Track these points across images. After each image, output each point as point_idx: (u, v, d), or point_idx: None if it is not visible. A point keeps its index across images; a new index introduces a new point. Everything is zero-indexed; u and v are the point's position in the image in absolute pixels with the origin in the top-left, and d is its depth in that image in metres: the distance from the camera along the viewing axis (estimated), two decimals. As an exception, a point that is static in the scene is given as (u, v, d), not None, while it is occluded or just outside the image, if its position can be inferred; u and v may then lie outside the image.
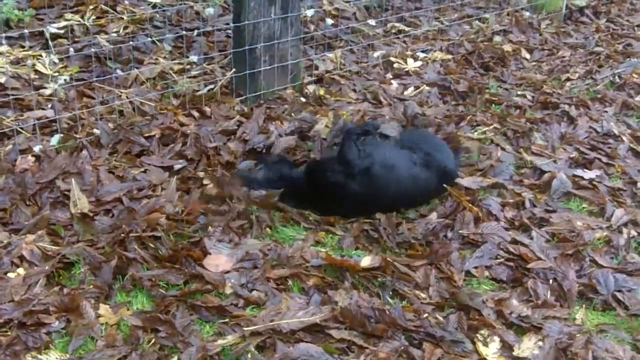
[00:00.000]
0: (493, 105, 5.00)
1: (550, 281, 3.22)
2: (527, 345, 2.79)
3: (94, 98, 4.45)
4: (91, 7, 5.49)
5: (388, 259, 3.23)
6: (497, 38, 6.25)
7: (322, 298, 3.00)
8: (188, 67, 4.97)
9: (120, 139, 4.07)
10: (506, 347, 2.79)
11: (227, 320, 2.88)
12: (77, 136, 4.03)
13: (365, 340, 2.78)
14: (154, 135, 4.13)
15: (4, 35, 4.78)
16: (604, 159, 4.30)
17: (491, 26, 6.43)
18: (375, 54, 5.61)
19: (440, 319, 2.92)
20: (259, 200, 3.65)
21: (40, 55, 4.81)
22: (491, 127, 4.60)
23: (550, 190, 3.91)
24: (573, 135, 4.59)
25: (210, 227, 3.42)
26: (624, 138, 4.59)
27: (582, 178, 4.06)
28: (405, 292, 3.08)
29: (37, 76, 4.63)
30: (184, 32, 4.94)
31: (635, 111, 5.09)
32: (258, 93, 4.73)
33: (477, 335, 2.83)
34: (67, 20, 5.27)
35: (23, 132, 4.02)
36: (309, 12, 5.67)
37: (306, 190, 3.71)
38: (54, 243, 3.25)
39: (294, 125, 4.37)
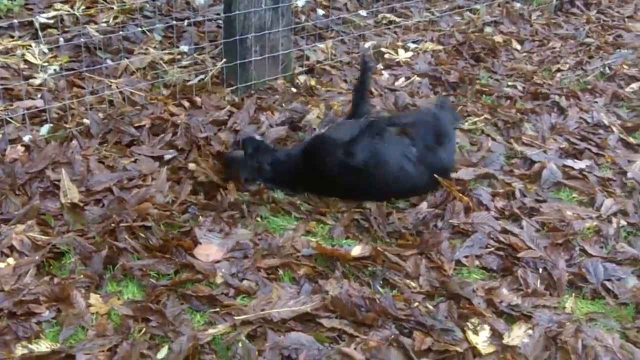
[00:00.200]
0: (484, 95, 5.00)
1: (540, 270, 3.23)
2: (517, 333, 2.80)
3: (83, 88, 4.44)
4: (81, -4, 5.47)
5: (378, 248, 3.24)
6: (487, 29, 6.25)
7: (313, 287, 3.00)
8: (178, 57, 4.96)
9: (110, 128, 4.06)
10: (496, 335, 2.80)
11: (217, 309, 2.88)
12: (67, 126, 4.02)
13: (355, 329, 2.78)
14: (144, 125, 4.12)
15: (-7, 25, 4.76)
16: (594, 150, 4.31)
17: (482, 17, 6.43)
18: (367, 45, 5.60)
19: (431, 307, 2.93)
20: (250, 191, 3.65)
21: (30, 45, 4.80)
22: (482, 117, 4.61)
23: (541, 180, 3.92)
24: (563, 125, 4.60)
25: (200, 217, 3.42)
26: (614, 128, 4.60)
27: (572, 168, 4.07)
28: (395, 281, 3.09)
29: (26, 66, 4.62)
30: (174, 22, 4.92)
31: (625, 102, 5.10)
32: (249, 83, 4.72)
33: (467, 323, 2.84)
34: (56, 10, 5.25)
35: (13, 121, 4.01)
36: (300, 3, 5.65)
37: (302, 168, 3.73)
38: (44, 233, 3.24)
39: (284, 115, 4.38)
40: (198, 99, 4.47)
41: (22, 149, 3.79)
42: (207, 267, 3.08)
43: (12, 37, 4.93)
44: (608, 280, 3.19)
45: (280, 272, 3.12)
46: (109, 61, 4.77)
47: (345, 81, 5.05)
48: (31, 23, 5.02)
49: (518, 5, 6.82)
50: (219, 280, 3.03)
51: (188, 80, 4.66)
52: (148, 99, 4.38)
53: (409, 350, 2.68)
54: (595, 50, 6.05)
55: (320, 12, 6.00)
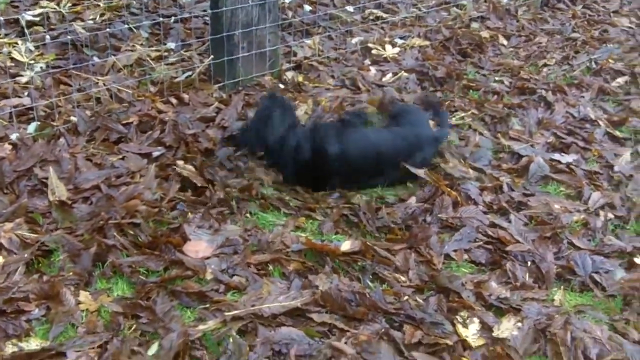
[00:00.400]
0: (471, 91, 5.02)
1: (529, 263, 3.25)
2: (506, 326, 2.82)
3: (70, 85, 4.42)
4: (67, -6, 5.45)
5: (368, 243, 3.25)
6: (474, 24, 6.27)
7: (303, 282, 3.01)
8: (165, 54, 4.95)
9: (97, 126, 4.05)
10: (485, 328, 2.82)
11: (208, 305, 2.88)
12: (54, 124, 4.01)
13: (346, 324, 2.79)
14: (132, 122, 4.11)
15: (-22, 23, 4.73)
16: (581, 143, 4.34)
17: (469, 13, 6.44)
18: (354, 41, 5.61)
19: (420, 301, 2.94)
20: (239, 186, 3.65)
21: (16, 43, 4.77)
22: (469, 112, 4.63)
23: (528, 174, 3.94)
24: (550, 120, 4.62)
25: (189, 213, 3.42)
26: (601, 122, 4.63)
27: (560, 162, 4.09)
28: (385, 275, 3.10)
29: (13, 64, 4.60)
30: (161, 19, 4.90)
31: (611, 96, 5.13)
32: (236, 80, 4.72)
33: (457, 317, 2.85)
34: (42, 7, 5.23)
35: (0, 120, 3.98)
36: (287, -1, 5.66)
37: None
38: (33, 231, 3.23)
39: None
40: (185, 96, 4.47)
41: (10, 147, 3.78)
42: (197, 263, 3.08)
43: (-2, 35, 4.91)
44: (596, 272, 3.21)
45: (270, 267, 3.12)
46: (95, 58, 4.76)
47: (333, 77, 5.05)
48: (17, 21, 5.00)
49: (504, 0, 6.83)
50: (208, 276, 3.03)
51: (175, 77, 4.65)
52: (135, 96, 4.37)
53: (400, 343, 2.70)
54: (582, 45, 6.08)
55: (307, 8, 6.00)
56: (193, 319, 2.82)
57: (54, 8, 5.27)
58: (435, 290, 3.04)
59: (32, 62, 4.62)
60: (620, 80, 5.37)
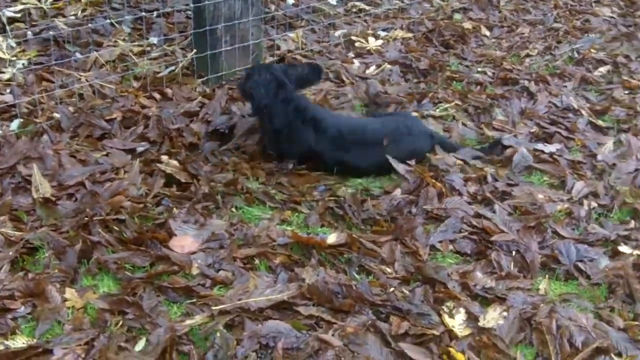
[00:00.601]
0: (454, 82, 5.04)
1: (513, 253, 3.26)
2: (492, 315, 2.83)
3: (53, 82, 4.40)
4: (48, -11, 5.42)
5: (354, 235, 3.25)
6: (457, 16, 6.29)
7: (289, 276, 3.01)
8: (148, 48, 4.93)
9: (81, 122, 4.04)
10: (472, 318, 2.83)
11: (194, 300, 2.87)
12: (37, 120, 3.99)
13: (333, 316, 2.80)
14: (115, 118, 4.10)
15: (-42, 19, 4.70)
16: (564, 133, 4.36)
17: (451, 4, 6.46)
18: (337, 33, 5.61)
19: (407, 292, 2.95)
20: (224, 181, 3.65)
21: (-3, 40, 4.74)
22: (453, 103, 4.64)
23: (512, 164, 3.96)
24: (533, 110, 4.64)
25: (175, 208, 3.41)
26: (583, 112, 4.66)
27: (543, 152, 4.11)
28: (371, 267, 3.11)
29: (-6, 61, 4.57)
30: (143, 14, 4.89)
31: (593, 85, 5.16)
32: (220, 74, 4.71)
33: (443, 307, 2.86)
34: (23, 3, 5.19)
35: (-18, 117, 3.97)
36: (269, -8, 5.66)
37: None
38: (17, 228, 3.21)
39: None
40: (169, 91, 4.46)
41: (-7, 144, 3.76)
42: (183, 258, 3.08)
43: (-21, 32, 4.88)
44: (580, 261, 3.24)
45: (257, 261, 3.12)
46: (78, 54, 4.74)
47: (316, 70, 5.04)
48: (-2, 17, 4.97)
49: (486, -9, 6.86)
50: (195, 271, 3.03)
51: (158, 72, 4.64)
52: (118, 92, 4.36)
53: (386, 334, 2.71)
54: (564, 35, 6.11)
55: (290, 1, 6.01)
56: (180, 314, 2.82)
57: (35, 4, 5.24)
58: (421, 281, 3.05)
59: (14, 58, 4.59)
60: (603, 69, 5.41)
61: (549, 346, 2.73)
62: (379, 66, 5.15)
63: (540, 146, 4.16)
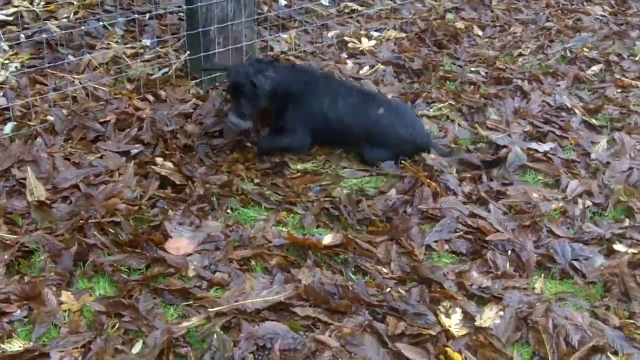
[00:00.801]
0: (448, 82, 5.04)
1: (509, 252, 3.27)
2: (489, 315, 2.84)
3: (46, 85, 4.39)
4: (40, -8, 5.40)
5: (349, 236, 3.26)
6: (449, 16, 6.29)
7: (286, 277, 3.01)
8: (141, 51, 4.92)
9: (75, 125, 4.03)
10: (468, 318, 2.84)
11: (191, 302, 2.88)
12: (31, 124, 3.98)
13: (329, 317, 2.80)
14: (110, 121, 4.09)
15: (-49, 23, 4.69)
16: (558, 132, 4.37)
17: (443, 4, 6.46)
18: (330, 34, 5.61)
19: (403, 293, 2.96)
20: (219, 183, 3.65)
21: (-10, 43, 4.73)
22: (446, 103, 4.65)
23: (507, 164, 3.96)
24: (527, 109, 4.65)
25: (170, 211, 3.41)
26: (577, 111, 4.67)
27: (537, 151, 4.12)
28: (367, 268, 3.11)
29: (-13, 64, 4.55)
30: (136, 16, 4.88)
31: (586, 84, 5.17)
32: (213, 76, 4.70)
33: (440, 307, 2.87)
34: (15, 6, 5.18)
35: (-25, 121, 3.95)
36: (262, -6, 5.65)
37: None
38: (12, 232, 3.21)
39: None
40: (163, 93, 4.45)
41: (-14, 148, 3.75)
42: (179, 260, 3.08)
43: (-29, 35, 4.86)
44: (576, 260, 3.25)
45: (253, 263, 3.12)
46: (71, 57, 4.72)
47: (310, 71, 5.05)
48: (-10, 20, 4.95)
49: (479, -9, 6.86)
50: (191, 273, 3.03)
51: (152, 74, 4.63)
52: (112, 94, 4.35)
53: (383, 335, 2.72)
54: (556, 34, 6.12)
55: (283, 2, 6.00)
56: (177, 317, 2.82)
57: (28, 7, 5.23)
58: (418, 281, 3.06)
59: (7, 62, 4.57)
60: (596, 68, 5.42)
61: (545, 345, 2.74)
62: (372, 67, 5.15)
63: (534, 145, 4.16)
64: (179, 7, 5.51)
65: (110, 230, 3.23)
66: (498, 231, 3.37)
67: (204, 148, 3.96)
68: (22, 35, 4.72)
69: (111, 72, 4.62)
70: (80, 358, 2.58)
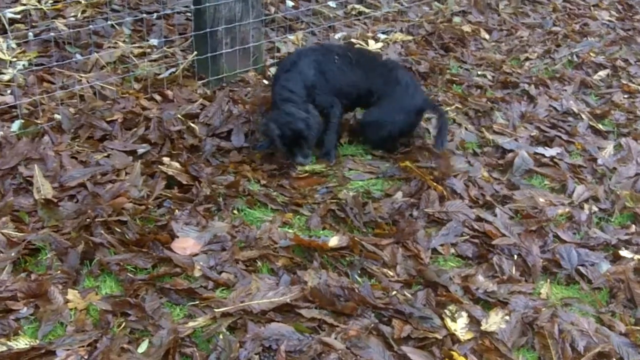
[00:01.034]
0: (454, 85, 5.05)
1: (515, 257, 3.27)
2: (494, 319, 2.84)
3: (53, 83, 4.40)
4: (48, -10, 5.41)
5: (356, 238, 3.26)
6: (456, 19, 6.29)
7: (292, 278, 3.02)
8: (148, 50, 4.93)
9: (82, 123, 4.03)
10: (474, 322, 2.84)
11: (197, 302, 2.88)
12: (38, 122, 3.98)
13: (335, 319, 2.80)
14: (116, 120, 4.09)
15: (-41, 20, 4.69)
16: (564, 137, 4.37)
17: (450, 7, 6.46)
18: (337, 36, 5.61)
19: (409, 296, 2.96)
20: (225, 183, 3.65)
21: (-2, 41, 4.73)
22: (453, 106, 4.65)
23: (513, 168, 3.96)
24: (533, 113, 4.65)
25: (176, 210, 3.41)
26: (583, 116, 4.67)
27: (543, 156, 4.13)
28: (373, 270, 3.11)
29: (-6, 62, 4.55)
30: (144, 15, 4.88)
31: (593, 89, 5.17)
32: (220, 76, 4.71)
33: (445, 311, 2.87)
34: (23, 4, 5.19)
35: (-18, 118, 3.96)
36: (269, -6, 5.66)
37: None
38: (19, 229, 3.21)
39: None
40: (170, 93, 4.45)
41: (-7, 145, 3.75)
42: (185, 260, 3.08)
43: (-21, 32, 4.87)
44: (582, 265, 3.25)
45: (259, 263, 3.12)
46: (78, 55, 4.73)
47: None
48: (-2, 18, 4.95)
49: (485, -6, 6.87)
50: (197, 273, 3.03)
51: (159, 74, 4.64)
52: (119, 93, 4.35)
53: (389, 338, 2.72)
54: (563, 38, 6.12)
55: (290, 3, 6.00)
56: (182, 316, 2.82)
57: (35, 5, 5.23)
58: (423, 284, 3.06)
59: (14, 59, 4.58)
60: (602, 73, 5.43)
61: (550, 350, 2.74)
62: (379, 69, 5.14)
63: (540, 150, 4.17)
64: (187, 7, 5.51)
65: (117, 229, 3.23)
66: (504, 235, 3.38)
67: (210, 148, 3.96)
68: (30, 34, 4.72)
69: (118, 71, 4.62)
70: (86, 356, 2.58)
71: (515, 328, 2.82)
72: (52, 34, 4.55)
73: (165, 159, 3.78)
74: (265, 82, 4.79)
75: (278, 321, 2.76)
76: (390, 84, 4.11)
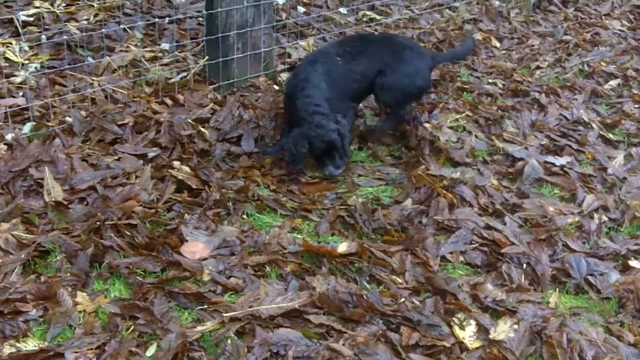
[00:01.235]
0: (465, 93, 5.05)
1: (524, 265, 3.27)
2: (503, 328, 2.83)
3: (65, 86, 4.41)
4: (60, -6, 5.43)
5: (364, 244, 3.26)
6: (467, 27, 6.29)
7: (300, 284, 3.02)
8: (160, 54, 4.95)
9: (93, 127, 4.05)
10: (482, 330, 2.83)
11: (205, 306, 2.88)
12: (50, 124, 4.00)
13: (343, 325, 2.80)
14: (127, 123, 4.11)
15: (-28, 22, 4.72)
16: (574, 146, 4.36)
17: (461, 15, 6.46)
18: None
19: (417, 303, 2.95)
20: (235, 187, 3.66)
21: (10, 43, 4.75)
22: (463, 114, 4.65)
23: (523, 176, 3.96)
24: (544, 122, 4.64)
25: (186, 214, 3.42)
26: (594, 125, 4.66)
27: (554, 164, 4.12)
28: (381, 277, 3.11)
29: (7, 64, 4.57)
30: (156, 20, 4.91)
31: (604, 99, 5.16)
32: (231, 81, 4.72)
33: (454, 319, 2.87)
34: (36, 7, 5.21)
35: (-6, 120, 3.98)
36: (281, 0, 5.66)
37: None
38: (29, 231, 3.23)
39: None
40: (180, 97, 4.47)
41: (5, 147, 3.77)
42: (194, 264, 3.09)
43: (-8, 34, 4.90)
44: (591, 275, 3.24)
45: (267, 268, 3.13)
46: (90, 59, 4.75)
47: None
48: (11, 20, 4.97)
49: (497, 3, 6.86)
50: (206, 277, 3.04)
51: (170, 78, 4.65)
52: (130, 97, 4.37)
53: (397, 345, 2.71)
54: (574, 47, 6.11)
55: (301, 9, 6.01)
56: (191, 320, 2.83)
57: (48, 8, 5.25)
58: (432, 292, 3.06)
59: (27, 62, 4.60)
60: (613, 82, 5.42)
61: (559, 360, 2.73)
62: (389, 76, 5.14)
63: (550, 158, 4.16)
64: (199, 11, 5.53)
65: (126, 232, 3.24)
66: (513, 244, 3.37)
67: (220, 153, 3.97)
68: (43, 36, 4.74)
69: (130, 75, 4.64)
70: (95, 359, 2.58)
71: (524, 337, 2.81)
72: (65, 37, 4.57)
73: (176, 163, 3.79)
74: (276, 87, 4.81)
75: (286, 327, 2.77)
76: (397, 53, 4.23)
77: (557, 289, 3.16)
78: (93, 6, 5.41)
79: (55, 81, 4.48)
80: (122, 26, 5.18)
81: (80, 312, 2.82)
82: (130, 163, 3.80)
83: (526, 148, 4.28)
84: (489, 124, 4.59)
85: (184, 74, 4.69)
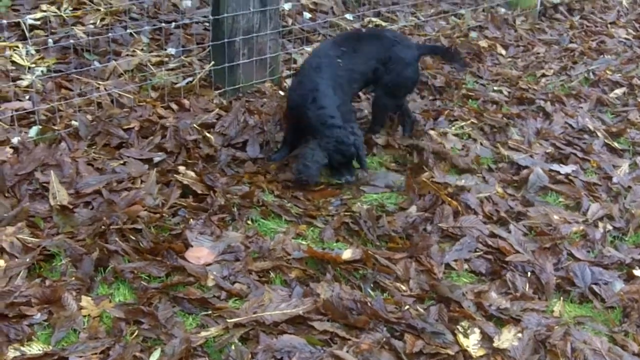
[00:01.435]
0: (470, 100, 5.05)
1: (529, 274, 3.26)
2: (507, 336, 2.83)
3: (71, 90, 4.43)
4: (67, -2, 5.45)
5: (369, 251, 3.25)
6: (472, 34, 6.30)
7: (304, 290, 3.02)
8: (166, 59, 4.96)
9: (99, 131, 4.06)
10: (486, 338, 2.83)
11: (209, 312, 2.89)
12: (56, 128, 4.01)
13: (347, 332, 2.80)
14: (133, 128, 4.12)
15: (-20, 26, 4.73)
16: (580, 154, 4.36)
17: (467, 22, 6.47)
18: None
19: (421, 310, 2.95)
20: (240, 193, 3.66)
21: (17, 47, 4.77)
22: (468, 122, 4.65)
23: (527, 184, 3.96)
24: (549, 130, 4.65)
25: (191, 219, 3.42)
26: (599, 133, 4.66)
27: (559, 173, 4.12)
28: (386, 284, 3.11)
29: (14, 67, 4.59)
30: (162, 24, 4.92)
31: (609, 107, 5.16)
32: (237, 86, 4.73)
33: (458, 326, 2.86)
34: (43, 11, 5.22)
35: (1, 123, 3.99)
36: (287, 6, 5.67)
37: None
38: (34, 235, 3.23)
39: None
40: (186, 102, 4.48)
41: (11, 150, 3.77)
42: (199, 269, 3.09)
43: (-1, 38, 4.92)
44: (595, 284, 3.24)
45: (272, 275, 3.13)
46: (96, 63, 4.76)
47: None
48: (18, 24, 4.99)
49: (502, 10, 6.87)
50: (210, 283, 3.04)
51: (176, 83, 4.67)
52: (136, 101, 4.38)
53: (401, 353, 2.71)
54: (579, 55, 6.12)
55: (307, 15, 6.02)
56: (195, 326, 2.83)
57: (55, 12, 5.27)
58: (436, 299, 3.05)
59: (33, 65, 4.62)
60: (618, 91, 5.42)
61: (563, 369, 2.73)
62: (395, 82, 5.15)
63: (555, 167, 4.16)
64: (205, 16, 5.53)
65: (131, 236, 3.25)
66: (518, 252, 3.37)
67: (225, 158, 3.97)
68: (50, 40, 4.76)
69: (136, 80, 4.65)
70: (99, 363, 2.59)
71: (528, 346, 2.81)
72: (71, 41, 4.59)
73: (181, 168, 3.79)
74: (282, 93, 4.81)
75: (290, 333, 2.77)
76: (389, 50, 4.28)
77: (562, 298, 3.16)
78: (100, 10, 5.43)
79: (61, 85, 4.49)
80: (128, 30, 5.20)
81: (84, 316, 2.82)
82: (135, 167, 3.81)
83: (531, 156, 4.28)
84: (494, 131, 4.59)
85: (190, 79, 4.70)
